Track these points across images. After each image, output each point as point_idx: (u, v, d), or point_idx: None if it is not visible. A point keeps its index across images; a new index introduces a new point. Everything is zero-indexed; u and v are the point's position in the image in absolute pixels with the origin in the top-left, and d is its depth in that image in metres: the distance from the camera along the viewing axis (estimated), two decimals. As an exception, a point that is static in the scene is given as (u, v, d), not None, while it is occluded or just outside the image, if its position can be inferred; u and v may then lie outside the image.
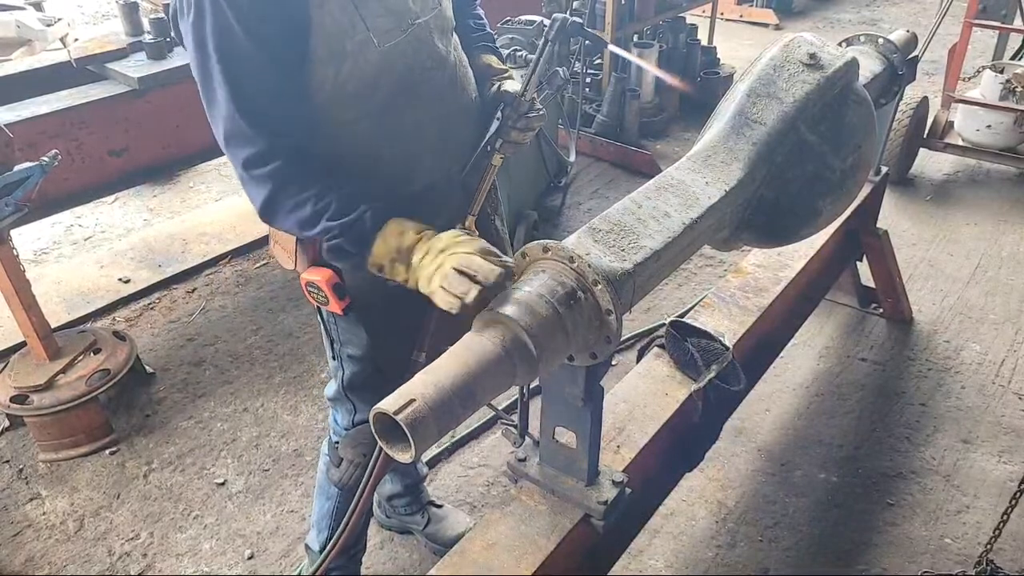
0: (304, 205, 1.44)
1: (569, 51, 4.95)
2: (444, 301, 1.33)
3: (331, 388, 1.93)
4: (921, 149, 4.65)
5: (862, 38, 2.54)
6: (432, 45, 1.59)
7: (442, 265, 1.37)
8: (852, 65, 1.79)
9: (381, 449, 1.68)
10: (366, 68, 1.49)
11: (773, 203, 1.71)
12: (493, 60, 1.84)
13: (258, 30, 1.36)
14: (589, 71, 5.14)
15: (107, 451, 2.84)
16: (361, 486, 1.62)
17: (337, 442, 1.94)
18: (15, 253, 2.65)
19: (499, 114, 1.65)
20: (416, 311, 1.68)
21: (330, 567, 2.14)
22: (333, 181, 1.48)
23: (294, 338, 3.40)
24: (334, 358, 1.86)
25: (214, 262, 3.91)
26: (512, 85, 1.76)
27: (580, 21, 1.61)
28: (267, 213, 1.49)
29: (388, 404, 1.04)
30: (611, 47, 1.89)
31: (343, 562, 2.16)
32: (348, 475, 1.93)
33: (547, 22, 1.60)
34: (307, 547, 2.25)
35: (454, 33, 1.70)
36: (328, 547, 1.74)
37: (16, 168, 2.43)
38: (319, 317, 1.83)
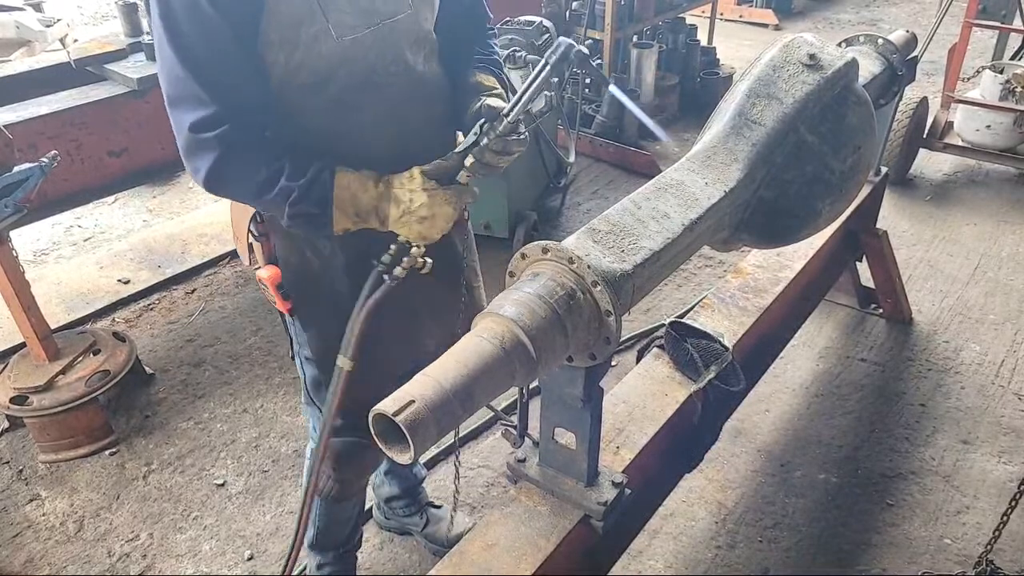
0: (258, 169, 1.43)
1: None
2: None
3: (302, 393, 1.92)
4: (921, 149, 4.65)
5: (862, 38, 2.55)
6: (400, 50, 1.55)
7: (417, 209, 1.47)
8: (852, 66, 1.79)
9: (325, 446, 1.66)
10: (319, 61, 1.47)
11: (773, 204, 1.71)
12: (485, 78, 1.79)
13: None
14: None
15: (107, 452, 2.84)
16: (304, 485, 1.60)
17: (314, 448, 1.91)
18: (15, 254, 2.65)
19: (477, 128, 1.53)
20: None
21: (321, 565, 2.16)
22: (282, 147, 1.48)
23: (294, 339, 3.40)
24: (294, 358, 1.85)
25: (214, 263, 3.91)
26: (497, 102, 1.70)
27: (586, 52, 1.52)
28: (214, 180, 1.45)
29: (387, 405, 1.04)
30: (612, 88, 1.80)
31: (330, 559, 2.17)
32: (324, 485, 1.94)
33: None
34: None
35: (435, 52, 1.67)
36: (290, 551, 1.73)
37: (16, 169, 2.43)
38: (280, 316, 1.81)
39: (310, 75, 1.47)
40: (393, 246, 1.53)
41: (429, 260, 1.55)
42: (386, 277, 1.53)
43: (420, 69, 1.62)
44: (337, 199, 1.46)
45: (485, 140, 1.49)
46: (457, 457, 2.06)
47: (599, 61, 5.18)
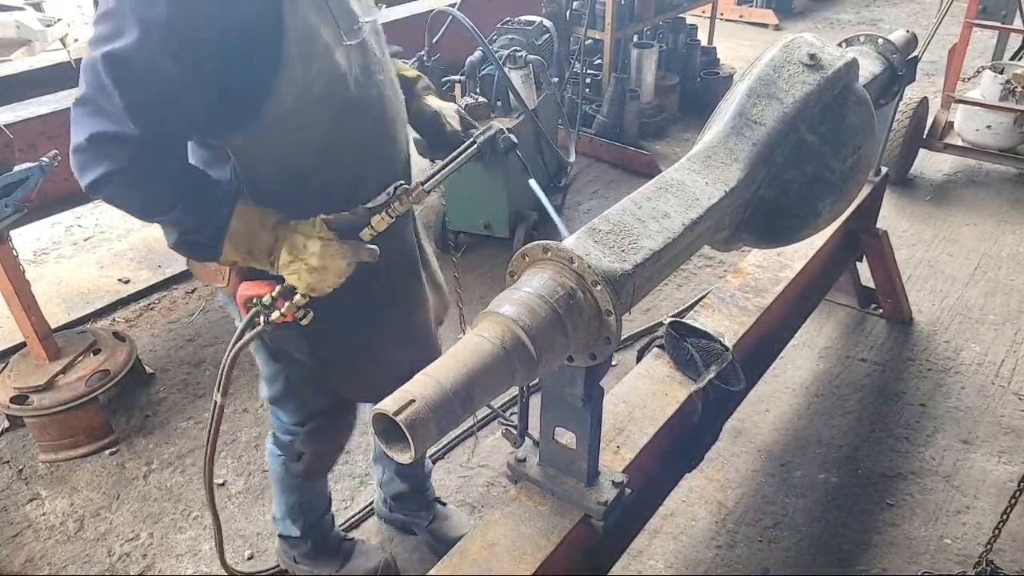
0: (151, 190, 1.38)
1: (569, 51, 4.95)
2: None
3: (271, 390, 1.91)
4: (921, 149, 4.65)
5: (862, 38, 2.54)
6: (372, 49, 1.58)
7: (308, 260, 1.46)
8: (852, 66, 1.79)
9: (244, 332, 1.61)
10: (333, 69, 1.47)
11: (773, 204, 1.71)
12: (400, 66, 1.86)
13: (184, 48, 1.29)
14: (589, 71, 5.14)
15: (107, 452, 2.84)
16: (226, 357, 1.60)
17: (290, 440, 1.97)
18: (15, 253, 2.65)
19: (391, 189, 1.52)
20: (361, 321, 1.73)
21: (300, 537, 2.23)
22: (185, 170, 1.43)
23: (294, 338, 3.39)
24: (275, 361, 1.84)
25: (214, 262, 3.91)
26: (436, 102, 1.80)
27: (514, 141, 1.59)
28: (101, 187, 1.37)
29: (387, 405, 1.04)
30: (531, 182, 1.79)
31: (303, 530, 2.21)
32: (311, 466, 2.00)
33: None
34: (283, 536, 2.27)
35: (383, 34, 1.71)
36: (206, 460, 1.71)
37: (16, 168, 2.43)
38: None
39: (324, 85, 1.47)
40: (279, 287, 1.50)
41: (311, 312, 1.52)
42: (261, 320, 1.51)
43: (387, 62, 1.66)
44: (232, 233, 1.43)
45: (396, 204, 1.49)
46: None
47: (599, 60, 5.19)
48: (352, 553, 2.31)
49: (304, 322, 1.52)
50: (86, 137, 1.33)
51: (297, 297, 1.49)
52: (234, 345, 1.52)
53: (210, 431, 1.60)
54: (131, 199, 1.41)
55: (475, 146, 1.56)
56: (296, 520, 2.18)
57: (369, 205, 1.51)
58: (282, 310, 1.49)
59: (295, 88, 1.43)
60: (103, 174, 1.35)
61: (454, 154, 1.56)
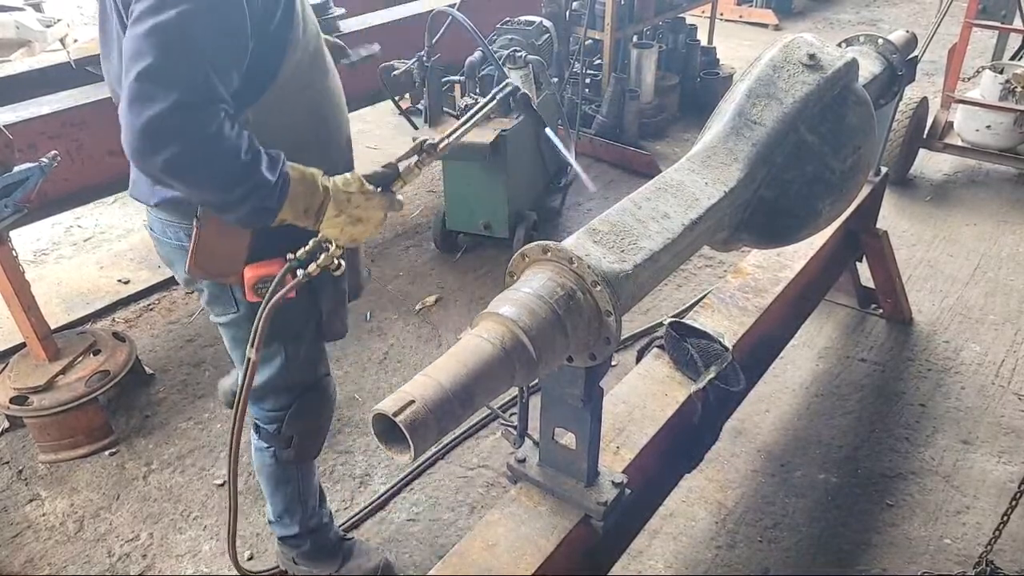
0: (236, 158, 1.36)
1: (569, 51, 4.95)
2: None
3: (265, 373, 1.87)
4: (921, 150, 4.65)
5: (862, 38, 2.55)
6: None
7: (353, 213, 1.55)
8: (852, 66, 1.79)
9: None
10: (315, 28, 1.61)
11: (773, 204, 1.71)
12: None
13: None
14: (588, 71, 5.14)
15: (107, 452, 2.84)
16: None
17: (276, 427, 1.97)
18: (15, 254, 2.65)
19: (418, 144, 1.60)
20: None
21: (299, 535, 2.20)
22: (252, 139, 1.42)
23: (294, 339, 3.39)
24: (273, 340, 1.80)
25: (214, 263, 3.91)
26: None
27: (529, 96, 1.69)
28: (183, 165, 1.32)
29: (387, 405, 1.04)
30: (547, 131, 1.93)
31: (301, 524, 2.17)
32: (302, 448, 2.01)
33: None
34: (281, 538, 2.25)
35: None
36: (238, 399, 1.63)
37: (16, 169, 2.42)
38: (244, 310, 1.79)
39: (314, 43, 1.59)
40: (312, 241, 1.54)
41: (343, 263, 1.57)
42: (300, 272, 1.54)
43: None
44: (293, 194, 1.47)
45: (425, 156, 1.60)
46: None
47: (599, 60, 5.19)
48: (351, 553, 2.31)
49: (338, 273, 1.57)
50: (169, 105, 1.27)
51: (333, 248, 1.54)
52: (271, 298, 1.53)
53: (241, 388, 1.61)
54: (219, 168, 1.36)
55: (495, 101, 1.66)
56: (294, 515, 2.16)
57: (397, 159, 1.60)
58: (319, 261, 1.54)
59: (299, 46, 1.53)
60: (186, 147, 1.30)
61: (474, 110, 1.65)
